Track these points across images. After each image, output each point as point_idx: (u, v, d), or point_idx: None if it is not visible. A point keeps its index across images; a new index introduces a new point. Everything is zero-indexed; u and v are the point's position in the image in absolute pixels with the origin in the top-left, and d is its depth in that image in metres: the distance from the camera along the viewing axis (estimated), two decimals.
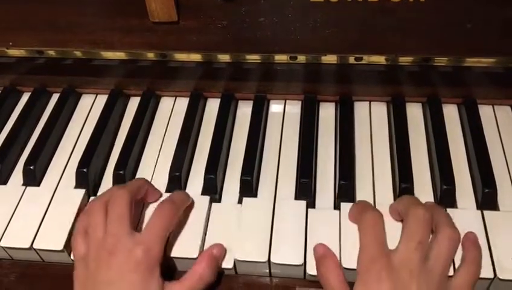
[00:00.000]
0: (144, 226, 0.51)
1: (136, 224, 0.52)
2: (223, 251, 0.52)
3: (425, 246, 0.46)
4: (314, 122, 0.63)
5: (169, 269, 0.53)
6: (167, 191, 0.58)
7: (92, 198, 0.59)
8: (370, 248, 0.47)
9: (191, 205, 0.55)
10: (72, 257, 0.54)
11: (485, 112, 0.63)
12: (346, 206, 0.54)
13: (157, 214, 0.50)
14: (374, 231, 0.48)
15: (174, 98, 0.69)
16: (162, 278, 0.48)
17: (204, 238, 0.53)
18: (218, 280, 0.52)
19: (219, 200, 0.58)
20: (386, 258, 0.45)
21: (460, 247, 0.49)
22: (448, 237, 0.47)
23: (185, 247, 0.52)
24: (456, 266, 0.49)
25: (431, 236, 0.48)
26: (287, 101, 0.67)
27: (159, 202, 0.53)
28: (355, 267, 0.48)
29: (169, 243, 0.52)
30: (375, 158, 0.60)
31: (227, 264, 0.52)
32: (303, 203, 0.55)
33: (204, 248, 0.52)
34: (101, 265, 0.47)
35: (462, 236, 0.49)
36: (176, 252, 0.52)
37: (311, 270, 0.50)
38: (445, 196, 0.54)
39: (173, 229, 0.52)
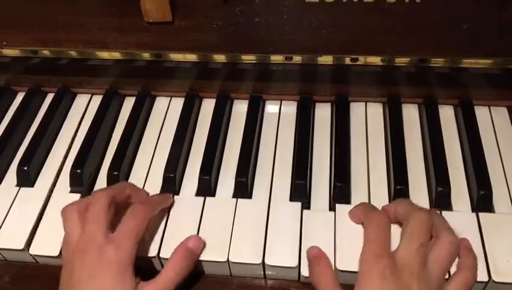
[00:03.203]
0: None
1: (115, 226, 0.50)
2: (200, 243, 0.51)
3: (426, 249, 0.46)
4: (310, 122, 0.63)
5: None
6: (161, 192, 0.58)
7: None
8: (376, 244, 0.47)
9: (181, 205, 0.55)
10: None
11: (481, 113, 0.63)
12: (341, 208, 0.54)
13: (129, 214, 0.50)
14: (381, 229, 0.48)
15: (169, 98, 0.69)
16: (136, 278, 0.47)
17: None
18: (212, 282, 0.52)
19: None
20: (390, 259, 0.45)
21: None
22: (449, 242, 0.47)
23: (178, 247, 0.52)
24: (451, 271, 0.48)
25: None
26: (283, 101, 0.67)
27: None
28: (349, 269, 0.49)
29: (163, 245, 0.52)
30: (370, 159, 0.60)
31: (221, 257, 0.51)
32: (298, 204, 0.55)
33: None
34: (75, 264, 0.47)
35: (459, 236, 0.49)
36: (170, 253, 0.52)
37: (306, 272, 0.50)
38: (440, 198, 0.54)
39: (148, 229, 0.51)
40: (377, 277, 0.44)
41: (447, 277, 0.48)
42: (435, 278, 0.45)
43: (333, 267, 0.50)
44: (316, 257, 0.50)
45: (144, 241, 0.53)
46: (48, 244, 0.54)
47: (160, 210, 0.54)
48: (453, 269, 0.48)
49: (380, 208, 0.53)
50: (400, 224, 0.50)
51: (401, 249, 0.46)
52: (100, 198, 0.50)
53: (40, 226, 0.56)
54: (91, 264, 0.46)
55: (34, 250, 0.54)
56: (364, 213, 0.51)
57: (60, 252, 0.53)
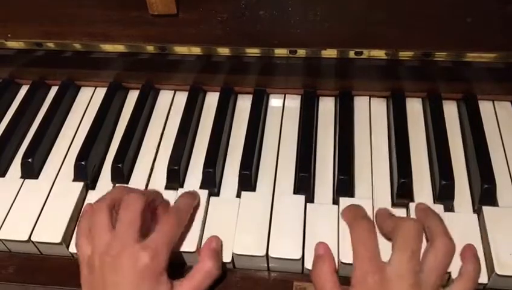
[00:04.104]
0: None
1: (143, 233, 0.49)
2: (220, 243, 0.52)
3: (418, 256, 0.45)
4: (314, 116, 0.63)
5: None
6: (166, 184, 0.58)
7: (90, 191, 0.59)
8: (363, 261, 0.46)
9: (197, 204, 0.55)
10: (70, 251, 0.54)
11: (485, 107, 0.63)
12: (345, 201, 0.54)
13: (164, 220, 0.50)
14: (366, 243, 0.47)
15: (173, 91, 0.69)
16: (170, 280, 0.47)
17: (203, 232, 0.53)
18: None
19: (217, 194, 0.58)
20: (379, 273, 0.44)
21: (458, 257, 0.49)
22: (444, 248, 0.46)
23: (183, 241, 0.52)
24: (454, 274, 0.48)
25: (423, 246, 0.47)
26: (287, 95, 0.67)
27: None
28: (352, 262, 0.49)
29: None
30: (374, 153, 0.60)
31: (226, 258, 0.52)
32: (302, 197, 0.55)
33: (202, 241, 0.52)
34: (108, 270, 0.46)
35: (460, 238, 0.49)
36: (174, 246, 0.52)
37: (309, 264, 0.50)
38: (444, 191, 0.54)
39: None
40: None
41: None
42: (431, 284, 0.45)
43: (337, 265, 0.49)
44: (322, 256, 0.49)
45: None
46: (50, 232, 0.54)
47: None
48: (454, 274, 0.48)
49: (382, 202, 0.53)
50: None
51: (392, 260, 0.45)
52: (136, 202, 0.49)
53: (42, 214, 0.56)
54: (126, 271, 0.45)
55: (36, 237, 0.54)
56: (349, 223, 0.51)
57: (62, 239, 0.53)
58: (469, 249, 0.49)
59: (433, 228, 0.48)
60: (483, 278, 0.49)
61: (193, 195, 0.55)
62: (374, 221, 0.52)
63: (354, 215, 0.51)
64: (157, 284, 0.46)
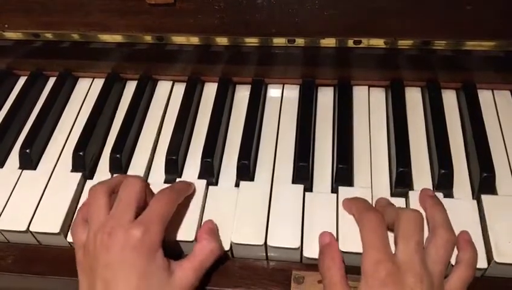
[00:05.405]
0: None
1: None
2: (215, 226, 0.52)
3: (422, 247, 0.46)
4: (312, 106, 0.63)
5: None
6: (164, 174, 0.58)
7: (88, 181, 0.58)
8: (374, 250, 0.45)
9: (192, 193, 0.55)
10: (68, 240, 0.54)
11: (485, 96, 0.63)
12: (343, 190, 0.54)
13: (156, 198, 0.50)
14: (377, 232, 0.47)
15: (171, 82, 0.69)
16: (168, 259, 0.47)
17: (201, 221, 0.53)
18: (214, 264, 0.52)
19: (216, 184, 0.57)
20: (391, 263, 0.44)
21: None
22: (446, 241, 0.47)
23: (182, 230, 0.52)
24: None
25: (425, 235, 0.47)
26: (285, 85, 0.67)
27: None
28: (352, 250, 0.49)
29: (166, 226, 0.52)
30: (373, 142, 0.60)
31: (224, 246, 0.51)
32: (300, 187, 0.55)
33: None
34: (101, 248, 0.46)
35: (459, 224, 0.49)
36: (172, 236, 0.52)
37: (308, 253, 0.50)
38: (443, 180, 0.54)
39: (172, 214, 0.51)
40: (378, 286, 0.43)
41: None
42: (437, 276, 0.45)
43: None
44: (329, 245, 0.49)
45: None
46: (48, 222, 0.54)
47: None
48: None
49: (381, 192, 0.52)
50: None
51: (399, 252, 0.45)
52: (134, 184, 0.49)
53: (40, 204, 0.56)
54: (119, 248, 0.45)
55: (34, 227, 0.54)
56: (357, 214, 0.50)
57: (61, 229, 0.53)
58: (463, 237, 0.49)
59: (435, 219, 0.48)
60: (483, 263, 0.49)
61: (189, 182, 0.55)
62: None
63: (363, 206, 0.51)
64: (151, 261, 0.46)
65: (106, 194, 0.49)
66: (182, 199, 0.53)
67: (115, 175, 0.59)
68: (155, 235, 0.47)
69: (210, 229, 0.51)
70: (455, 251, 0.48)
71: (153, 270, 0.45)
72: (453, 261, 0.48)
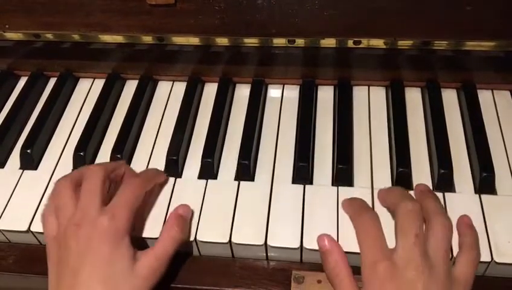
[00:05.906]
0: None
1: (107, 203, 0.49)
2: (189, 211, 0.53)
3: (422, 238, 0.46)
4: (313, 106, 0.63)
5: None
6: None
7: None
8: (370, 253, 0.46)
9: (184, 188, 0.55)
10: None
11: (484, 96, 0.63)
12: (343, 190, 0.54)
13: (123, 184, 0.51)
14: (370, 234, 0.47)
15: (171, 82, 0.69)
16: (134, 248, 0.48)
17: (198, 219, 0.53)
18: (214, 264, 0.52)
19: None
20: (387, 261, 0.44)
21: (455, 233, 0.49)
22: (442, 226, 0.47)
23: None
24: (454, 251, 0.48)
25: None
26: (285, 85, 0.67)
27: None
28: (352, 250, 0.49)
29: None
30: (373, 142, 0.60)
31: (223, 239, 0.51)
32: (300, 187, 0.55)
33: (200, 230, 0.52)
34: (71, 240, 0.46)
35: (462, 212, 0.50)
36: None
37: (308, 253, 0.50)
38: (443, 180, 0.54)
39: (141, 202, 0.51)
40: (378, 286, 0.44)
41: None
42: (440, 264, 0.45)
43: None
44: (331, 249, 0.48)
45: (147, 224, 0.53)
46: None
47: (162, 191, 0.54)
48: (455, 249, 0.48)
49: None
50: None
51: (398, 247, 0.45)
52: (96, 172, 0.50)
53: (41, 204, 0.56)
54: (87, 237, 0.46)
55: (35, 227, 0.54)
56: (353, 215, 0.51)
57: None
58: (463, 220, 0.50)
59: (429, 206, 0.49)
60: (487, 257, 0.49)
61: (160, 172, 0.56)
62: (375, 205, 0.52)
63: (358, 207, 0.51)
64: (116, 248, 0.46)
65: (71, 186, 0.49)
66: (152, 186, 0.53)
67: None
68: (121, 221, 0.47)
69: (177, 216, 0.51)
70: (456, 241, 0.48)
71: (117, 257, 0.46)
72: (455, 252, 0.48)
